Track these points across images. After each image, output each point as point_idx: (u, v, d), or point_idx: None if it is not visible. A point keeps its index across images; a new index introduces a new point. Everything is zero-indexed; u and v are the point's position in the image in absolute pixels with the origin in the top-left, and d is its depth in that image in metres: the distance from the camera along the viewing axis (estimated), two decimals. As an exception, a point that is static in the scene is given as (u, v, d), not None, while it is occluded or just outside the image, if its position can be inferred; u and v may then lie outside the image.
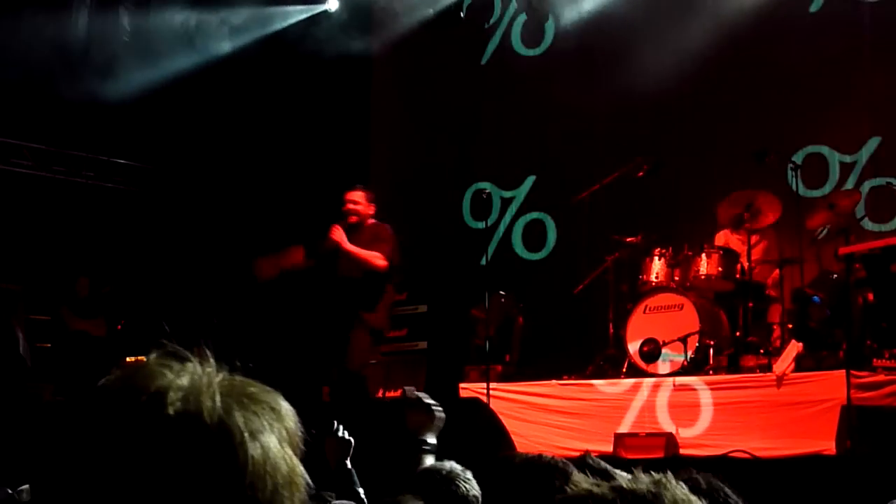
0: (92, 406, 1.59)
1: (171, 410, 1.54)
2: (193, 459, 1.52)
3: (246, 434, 1.55)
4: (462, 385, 10.32)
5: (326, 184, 13.58)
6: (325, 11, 13.90)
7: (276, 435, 1.60)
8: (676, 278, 10.23)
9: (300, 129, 13.78)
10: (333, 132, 13.85)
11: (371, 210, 9.89)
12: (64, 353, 12.22)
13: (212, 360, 1.66)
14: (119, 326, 12.68)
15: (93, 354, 11.97)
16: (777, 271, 10.00)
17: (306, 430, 1.68)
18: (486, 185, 12.02)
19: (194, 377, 1.60)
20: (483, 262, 11.18)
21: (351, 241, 9.64)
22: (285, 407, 1.66)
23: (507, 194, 13.15)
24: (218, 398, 1.57)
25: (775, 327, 10.00)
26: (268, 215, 13.38)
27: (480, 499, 3.61)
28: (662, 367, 9.66)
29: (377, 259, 9.53)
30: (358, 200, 9.76)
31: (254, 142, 13.63)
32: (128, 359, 11.27)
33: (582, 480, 1.91)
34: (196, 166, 13.63)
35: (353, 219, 9.77)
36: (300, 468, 1.64)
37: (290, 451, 1.62)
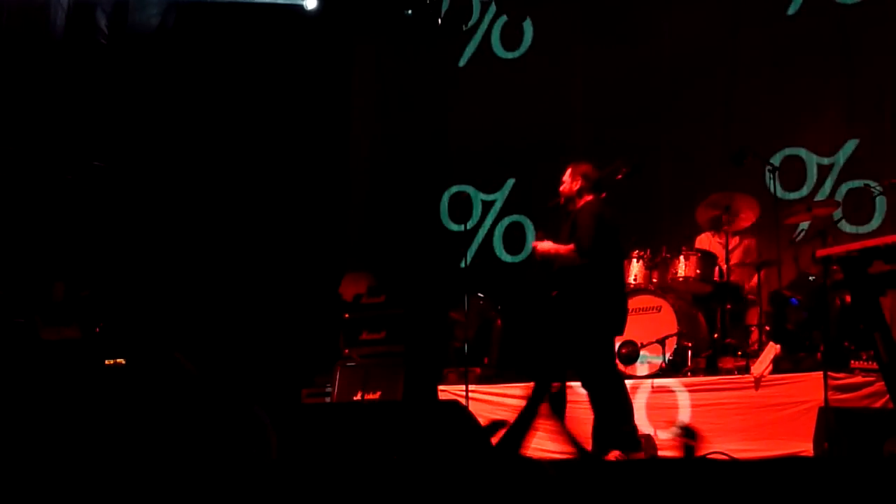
0: None
1: None
2: None
3: None
4: (441, 387, 10.32)
5: (304, 183, 13.60)
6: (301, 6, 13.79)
7: None
8: (655, 280, 10.24)
9: (279, 127, 13.75)
10: (312, 133, 13.83)
11: (576, 184, 8.51)
12: (38, 360, 12.11)
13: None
14: (97, 329, 12.61)
15: (69, 358, 11.89)
16: (756, 276, 10.02)
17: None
18: (466, 188, 12.01)
19: None
20: (463, 264, 11.16)
21: (562, 227, 8.54)
22: None
23: (488, 197, 13.17)
24: None
25: (753, 329, 10.02)
26: (247, 214, 13.36)
27: None
28: (641, 368, 9.67)
29: (572, 255, 8.28)
30: (563, 179, 8.57)
31: (231, 141, 13.57)
32: (107, 361, 11.23)
33: None
34: (176, 165, 13.56)
35: (560, 200, 8.59)
36: None
37: None
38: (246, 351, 12.32)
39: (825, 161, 11.26)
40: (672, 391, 9.13)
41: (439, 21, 13.58)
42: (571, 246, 8.29)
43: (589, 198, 8.46)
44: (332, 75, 13.98)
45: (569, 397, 8.53)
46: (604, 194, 8.50)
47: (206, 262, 13.20)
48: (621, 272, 8.83)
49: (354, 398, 10.78)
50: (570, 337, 8.25)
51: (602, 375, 8.23)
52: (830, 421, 7.65)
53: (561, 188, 8.56)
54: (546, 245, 8.50)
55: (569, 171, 8.50)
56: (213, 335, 12.37)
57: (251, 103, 13.60)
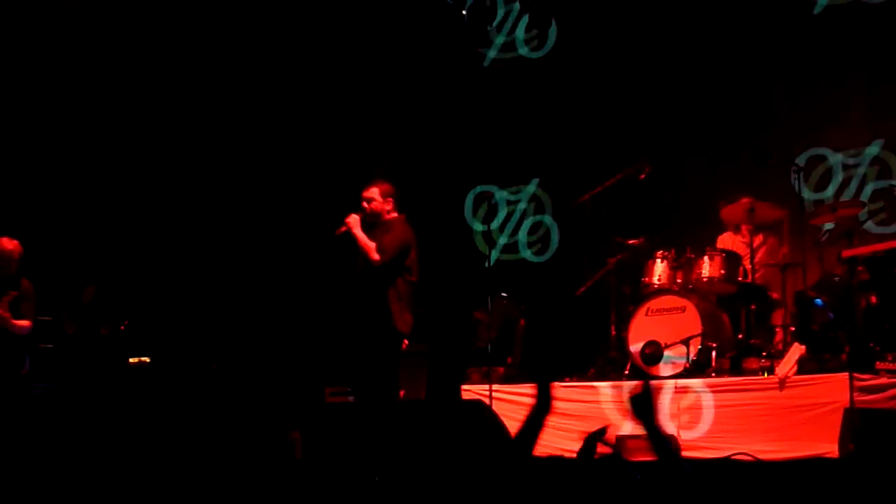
0: None
1: None
2: None
3: None
4: (464, 387, 10.32)
5: (329, 183, 13.62)
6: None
7: None
8: (679, 280, 10.22)
9: (302, 128, 13.77)
10: (336, 134, 13.85)
11: (388, 205, 9.14)
12: (65, 354, 12.15)
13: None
14: (122, 327, 12.63)
15: (96, 354, 11.93)
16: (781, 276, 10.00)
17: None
18: (490, 188, 12.02)
19: None
20: (486, 264, 11.14)
21: (371, 237, 8.99)
22: None
23: (513, 197, 13.17)
24: None
25: (778, 330, 9.99)
26: (271, 214, 13.39)
27: None
28: (664, 369, 9.65)
29: (372, 251, 8.82)
30: (372, 197, 9.09)
31: (255, 142, 13.60)
32: (131, 359, 11.26)
33: None
34: (202, 167, 13.60)
35: (369, 218, 9.10)
36: None
37: None
38: (269, 350, 12.34)
39: (850, 161, 11.21)
40: (696, 392, 9.11)
41: (463, 15, 13.57)
42: (375, 245, 8.76)
43: (396, 215, 9.06)
44: (355, 74, 13.98)
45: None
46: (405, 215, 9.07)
47: (229, 262, 13.22)
48: (412, 289, 9.04)
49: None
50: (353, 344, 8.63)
51: (374, 389, 8.43)
52: (855, 422, 7.62)
53: (370, 206, 8.97)
54: (356, 223, 8.86)
55: (376, 191, 9.00)
56: (237, 335, 12.40)
57: (275, 102, 13.63)
